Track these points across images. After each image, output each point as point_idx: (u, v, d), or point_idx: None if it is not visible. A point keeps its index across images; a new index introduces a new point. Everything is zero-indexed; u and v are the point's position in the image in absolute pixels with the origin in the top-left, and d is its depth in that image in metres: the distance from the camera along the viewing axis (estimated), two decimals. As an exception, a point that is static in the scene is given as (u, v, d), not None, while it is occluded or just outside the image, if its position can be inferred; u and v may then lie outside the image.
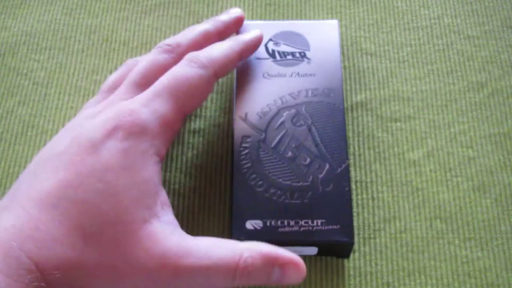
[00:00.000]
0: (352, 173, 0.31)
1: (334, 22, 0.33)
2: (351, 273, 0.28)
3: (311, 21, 0.34)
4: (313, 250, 0.27)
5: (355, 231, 0.29)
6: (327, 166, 0.28)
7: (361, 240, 0.29)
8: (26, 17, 0.36)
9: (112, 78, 0.29)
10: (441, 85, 0.33)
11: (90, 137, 0.23)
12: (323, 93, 0.30)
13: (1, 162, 0.31)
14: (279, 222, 0.27)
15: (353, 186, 0.30)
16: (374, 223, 0.30)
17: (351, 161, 0.31)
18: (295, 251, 0.27)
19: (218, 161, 0.31)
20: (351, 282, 0.28)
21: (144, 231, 0.22)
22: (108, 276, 0.22)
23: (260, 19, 0.36)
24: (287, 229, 0.27)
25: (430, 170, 0.31)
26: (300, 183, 0.28)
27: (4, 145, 0.32)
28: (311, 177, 0.28)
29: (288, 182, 0.28)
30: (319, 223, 0.27)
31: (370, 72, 0.34)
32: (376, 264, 0.29)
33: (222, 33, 0.30)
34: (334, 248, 0.28)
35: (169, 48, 0.28)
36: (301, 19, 0.36)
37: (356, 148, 0.32)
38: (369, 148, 0.32)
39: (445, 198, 0.30)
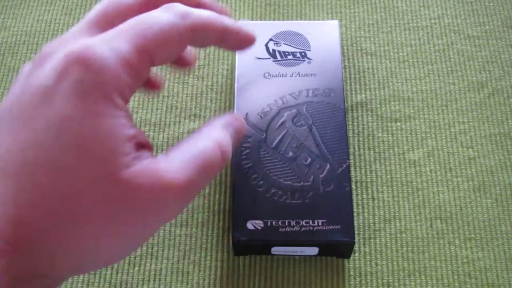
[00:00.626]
0: (352, 173, 0.31)
1: (335, 23, 0.33)
2: (351, 273, 0.28)
3: (312, 22, 0.34)
4: (314, 250, 0.27)
5: (355, 231, 0.29)
6: (328, 166, 0.28)
7: (361, 240, 0.29)
8: (25, 17, 0.36)
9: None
10: (441, 85, 0.33)
11: (39, 83, 0.20)
12: (324, 93, 0.30)
13: (1, 162, 0.31)
14: (280, 222, 0.27)
15: (353, 186, 0.30)
16: (374, 223, 0.30)
17: (351, 161, 0.31)
18: (295, 252, 0.28)
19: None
20: (351, 282, 0.28)
21: (127, 174, 0.19)
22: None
23: (260, 19, 0.36)
24: (288, 229, 0.27)
25: (430, 170, 0.31)
26: (301, 183, 0.28)
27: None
28: (312, 177, 0.28)
29: (289, 182, 0.28)
30: (320, 223, 0.27)
31: (370, 72, 0.34)
32: (376, 264, 0.29)
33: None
34: (335, 248, 0.27)
35: None
36: (301, 19, 0.36)
37: (356, 148, 0.32)
38: (369, 148, 0.32)
39: (445, 198, 0.30)
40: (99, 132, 0.19)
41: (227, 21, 0.25)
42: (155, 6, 0.23)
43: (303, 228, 0.27)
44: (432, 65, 0.34)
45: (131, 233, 0.20)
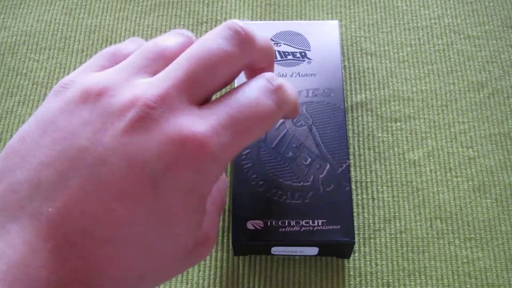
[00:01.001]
0: (352, 173, 0.31)
1: (335, 23, 0.33)
2: (351, 273, 0.28)
3: (312, 22, 0.33)
4: (314, 250, 0.27)
5: (355, 231, 0.29)
6: (328, 166, 0.28)
7: (361, 240, 0.29)
8: (25, 17, 0.36)
9: (118, 47, 0.22)
10: (441, 85, 0.33)
11: (150, 168, 0.18)
12: (324, 93, 0.30)
13: (1, 162, 0.31)
14: (279, 222, 0.27)
15: (353, 186, 0.30)
16: (374, 223, 0.30)
17: (351, 161, 0.31)
18: (295, 252, 0.27)
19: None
20: (351, 282, 0.28)
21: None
22: None
23: (260, 19, 0.36)
24: (288, 229, 0.27)
25: (430, 170, 0.31)
26: (301, 183, 0.28)
27: (4, 145, 0.32)
28: (312, 177, 0.28)
29: (289, 182, 0.28)
30: (320, 223, 0.27)
31: (370, 72, 0.34)
32: (376, 264, 0.29)
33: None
34: (335, 248, 0.27)
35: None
36: (301, 19, 0.36)
37: (356, 148, 0.32)
38: (369, 148, 0.32)
39: (445, 198, 0.30)
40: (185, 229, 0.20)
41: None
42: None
43: (303, 228, 0.27)
44: (432, 65, 0.34)
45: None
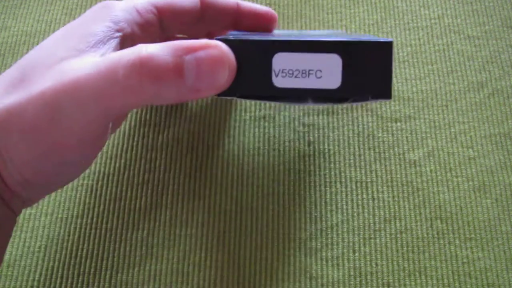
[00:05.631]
0: (352, 173, 0.31)
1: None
2: (351, 273, 0.28)
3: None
4: (333, 61, 0.19)
5: (355, 231, 0.29)
6: None
7: (361, 240, 0.29)
8: (26, 17, 0.36)
9: None
10: (441, 85, 0.33)
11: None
12: None
13: (1, 162, 0.31)
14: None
15: (353, 186, 0.30)
16: (374, 223, 0.30)
17: (351, 161, 0.31)
18: (309, 59, 0.19)
19: (221, 163, 0.31)
20: (351, 282, 0.28)
21: (57, 67, 0.21)
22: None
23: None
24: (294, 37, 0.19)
25: (430, 170, 0.31)
26: None
27: (4, 145, 0.32)
28: None
29: None
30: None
31: (370, 72, 0.34)
32: (376, 264, 0.29)
33: None
34: (368, 57, 0.19)
35: None
36: (301, 19, 0.36)
37: (356, 148, 0.32)
38: (369, 148, 0.32)
39: (445, 198, 0.30)
40: (77, 31, 0.23)
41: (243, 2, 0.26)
42: None
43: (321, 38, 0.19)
44: (432, 65, 0.34)
45: None
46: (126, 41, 0.24)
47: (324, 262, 0.29)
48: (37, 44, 0.35)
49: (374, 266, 0.28)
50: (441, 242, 0.29)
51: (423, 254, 0.29)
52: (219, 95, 0.21)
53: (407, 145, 0.32)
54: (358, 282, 0.28)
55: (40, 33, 0.35)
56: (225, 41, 0.20)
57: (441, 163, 0.31)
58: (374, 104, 0.33)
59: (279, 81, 0.20)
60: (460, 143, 0.32)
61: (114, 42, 0.23)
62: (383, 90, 0.19)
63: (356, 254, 0.29)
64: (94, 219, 0.30)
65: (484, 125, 0.32)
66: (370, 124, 0.32)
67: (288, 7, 0.36)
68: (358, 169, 0.31)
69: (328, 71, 0.19)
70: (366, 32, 0.35)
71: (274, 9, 0.36)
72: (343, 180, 0.31)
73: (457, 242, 0.29)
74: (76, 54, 0.22)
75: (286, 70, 0.20)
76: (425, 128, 0.32)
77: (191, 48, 0.20)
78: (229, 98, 0.21)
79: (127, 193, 0.30)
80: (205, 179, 0.31)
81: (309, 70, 0.19)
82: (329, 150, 0.32)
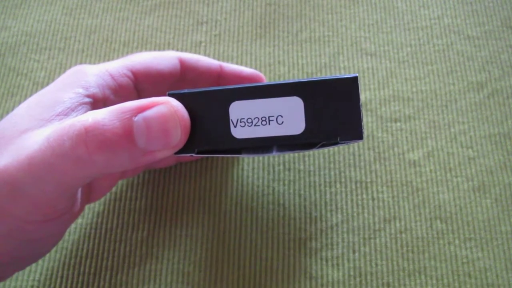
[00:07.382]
0: (352, 173, 0.31)
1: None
2: (351, 273, 0.28)
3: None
4: (295, 104, 0.18)
5: (355, 231, 0.29)
6: None
7: (361, 240, 0.29)
8: (26, 17, 0.36)
9: None
10: (441, 85, 0.33)
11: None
12: None
13: (1, 162, 0.31)
14: None
15: (353, 186, 0.30)
16: (374, 223, 0.30)
17: (351, 161, 0.31)
18: (268, 105, 0.18)
19: (221, 163, 0.31)
20: (351, 282, 0.28)
21: (17, 142, 0.20)
22: None
23: (260, 19, 0.36)
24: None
25: (430, 170, 0.31)
26: None
27: (4, 145, 0.32)
28: None
29: None
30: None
31: (370, 72, 0.34)
32: (376, 264, 0.29)
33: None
34: (332, 96, 0.18)
35: None
36: (301, 18, 0.36)
37: (356, 148, 0.32)
38: (369, 148, 0.32)
39: (445, 198, 0.30)
40: (45, 99, 0.23)
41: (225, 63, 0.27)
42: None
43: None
44: (432, 65, 0.34)
45: None
46: (97, 106, 0.23)
47: (324, 262, 0.29)
48: (37, 44, 0.35)
49: (374, 266, 0.29)
50: (441, 242, 0.29)
51: (423, 254, 0.29)
52: (176, 153, 0.20)
53: (407, 145, 0.32)
54: (358, 282, 0.28)
55: (40, 33, 0.35)
56: (177, 95, 0.20)
57: (441, 163, 0.31)
58: (374, 104, 0.33)
59: (239, 132, 0.19)
60: (460, 143, 0.32)
61: (83, 109, 0.22)
62: (353, 131, 0.18)
63: (356, 254, 0.29)
64: (94, 219, 0.30)
65: (484, 125, 0.32)
66: (370, 124, 0.32)
67: (288, 7, 0.36)
68: (358, 169, 0.31)
69: (290, 116, 0.18)
70: (366, 32, 0.35)
71: (274, 9, 0.36)
72: (343, 180, 0.31)
73: (457, 242, 0.29)
74: (39, 125, 0.21)
75: (244, 119, 0.19)
76: (425, 128, 0.32)
77: (139, 108, 0.19)
78: (187, 155, 0.20)
79: (127, 193, 0.30)
80: (205, 179, 0.31)
81: (269, 117, 0.18)
82: (329, 150, 0.32)
